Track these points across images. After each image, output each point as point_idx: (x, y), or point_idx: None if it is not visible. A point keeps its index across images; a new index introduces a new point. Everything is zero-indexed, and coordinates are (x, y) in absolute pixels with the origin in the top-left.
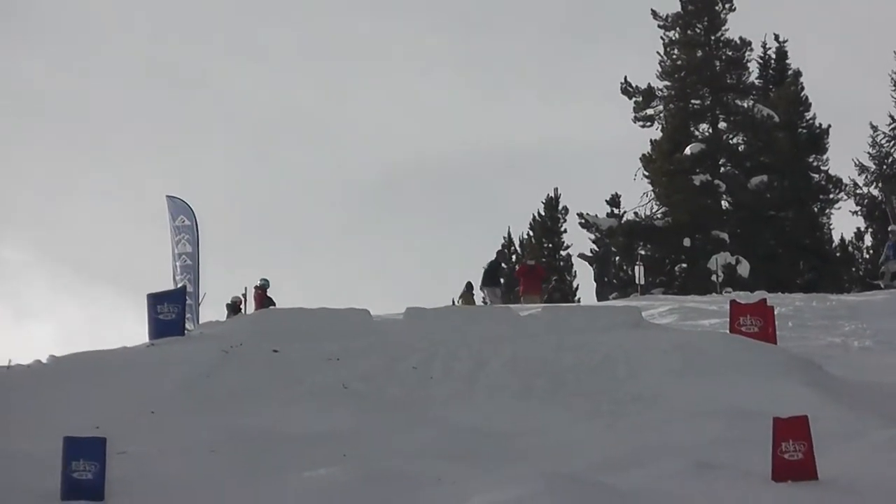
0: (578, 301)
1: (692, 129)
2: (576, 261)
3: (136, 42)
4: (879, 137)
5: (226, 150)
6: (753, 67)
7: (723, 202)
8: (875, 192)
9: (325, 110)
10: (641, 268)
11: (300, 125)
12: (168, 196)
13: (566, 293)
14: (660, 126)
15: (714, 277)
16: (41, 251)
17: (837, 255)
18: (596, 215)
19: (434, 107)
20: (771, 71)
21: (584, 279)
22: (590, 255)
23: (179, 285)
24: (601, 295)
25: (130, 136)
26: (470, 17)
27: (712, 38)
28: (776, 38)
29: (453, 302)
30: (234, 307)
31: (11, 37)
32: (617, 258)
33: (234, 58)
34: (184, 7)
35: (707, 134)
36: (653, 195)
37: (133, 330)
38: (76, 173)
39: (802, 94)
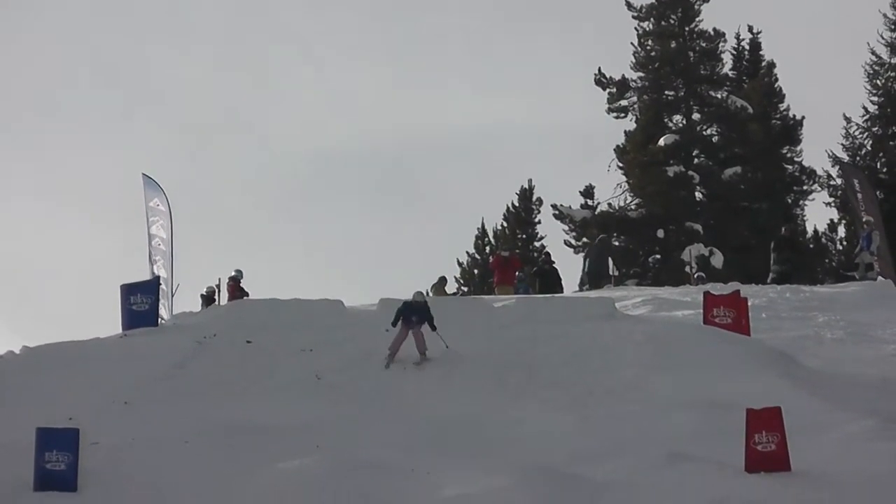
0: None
1: (666, 120)
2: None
3: (58, 30)
4: (853, 129)
5: (169, 139)
6: (727, 59)
7: (696, 193)
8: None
9: (274, 97)
10: (611, 259)
11: (253, 113)
12: (144, 174)
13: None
14: (634, 117)
15: (688, 269)
16: None
17: (811, 246)
18: (570, 206)
19: (408, 93)
20: (745, 62)
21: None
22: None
23: (156, 273)
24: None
25: (63, 128)
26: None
27: (686, 29)
28: (750, 29)
29: (427, 293)
30: (209, 298)
31: None
32: (610, 259)
33: (162, 44)
34: None
35: (681, 125)
36: (626, 186)
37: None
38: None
39: (776, 85)
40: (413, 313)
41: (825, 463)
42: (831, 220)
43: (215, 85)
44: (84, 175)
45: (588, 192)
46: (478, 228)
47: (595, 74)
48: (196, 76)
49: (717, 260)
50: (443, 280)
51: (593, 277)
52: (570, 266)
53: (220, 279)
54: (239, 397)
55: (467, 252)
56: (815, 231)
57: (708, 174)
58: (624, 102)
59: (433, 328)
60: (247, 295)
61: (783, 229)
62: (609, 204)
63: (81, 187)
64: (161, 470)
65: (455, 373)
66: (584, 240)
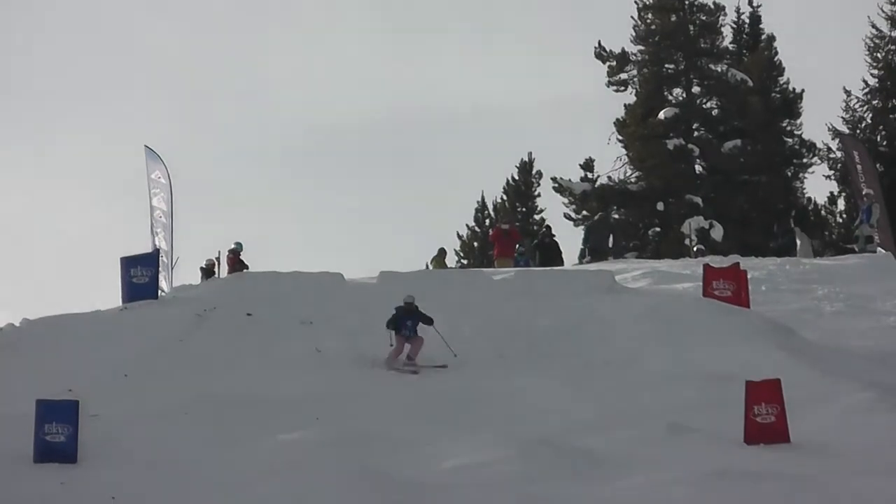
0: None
1: (666, 93)
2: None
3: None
4: (853, 102)
5: (170, 112)
6: (727, 32)
7: (696, 166)
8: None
9: (278, 66)
10: (612, 235)
11: (253, 85)
12: (146, 146)
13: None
14: (634, 90)
15: (688, 241)
16: None
17: (811, 219)
18: (570, 179)
19: (408, 65)
20: (744, 35)
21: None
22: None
23: (158, 245)
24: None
25: (64, 98)
26: None
27: (686, 2)
28: (749, 2)
29: (426, 266)
30: (209, 270)
31: None
32: (611, 235)
33: (162, 15)
34: None
35: (681, 98)
36: (626, 159)
37: None
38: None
39: (776, 58)
40: (407, 317)
41: (824, 434)
42: (831, 193)
43: (215, 57)
44: (85, 146)
45: (588, 166)
46: (478, 201)
47: (595, 48)
48: (196, 47)
49: (717, 233)
50: (442, 252)
51: (594, 254)
52: (570, 239)
53: (219, 252)
54: (239, 370)
55: (467, 225)
56: (815, 204)
57: (708, 147)
58: (624, 76)
59: (430, 322)
60: (247, 268)
61: None
62: (609, 177)
63: (82, 159)
64: (161, 442)
65: (454, 345)
66: (584, 213)
